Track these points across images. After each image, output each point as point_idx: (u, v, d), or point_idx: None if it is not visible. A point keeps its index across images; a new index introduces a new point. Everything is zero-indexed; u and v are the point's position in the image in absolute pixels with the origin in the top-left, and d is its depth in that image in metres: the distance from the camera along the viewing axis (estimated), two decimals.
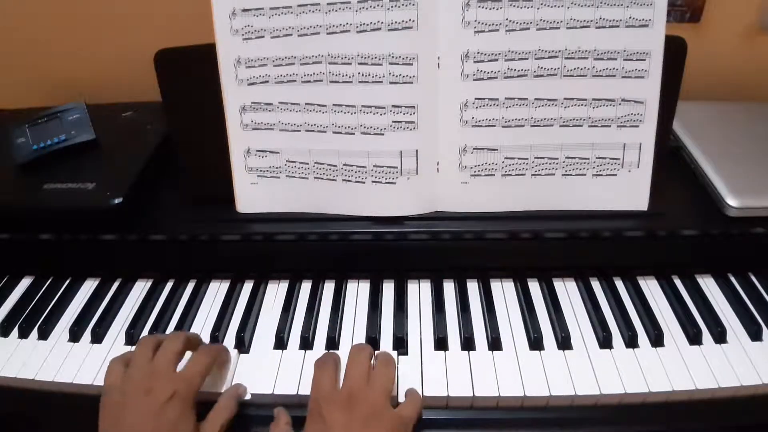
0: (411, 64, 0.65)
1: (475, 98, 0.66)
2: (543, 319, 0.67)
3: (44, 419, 0.64)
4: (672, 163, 0.75)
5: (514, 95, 0.66)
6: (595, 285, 0.72)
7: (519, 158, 0.69)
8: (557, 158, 0.68)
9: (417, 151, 0.68)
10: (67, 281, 0.75)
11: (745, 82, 0.92)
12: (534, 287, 0.71)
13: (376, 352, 0.62)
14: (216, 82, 0.68)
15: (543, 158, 0.69)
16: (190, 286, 0.74)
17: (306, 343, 0.65)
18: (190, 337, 0.60)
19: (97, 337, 0.68)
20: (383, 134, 0.67)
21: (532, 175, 0.69)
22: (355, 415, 0.53)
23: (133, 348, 0.65)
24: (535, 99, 0.66)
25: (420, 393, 0.59)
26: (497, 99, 0.66)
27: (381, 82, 0.65)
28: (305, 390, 0.60)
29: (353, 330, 0.67)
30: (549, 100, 0.66)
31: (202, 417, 0.56)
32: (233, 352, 0.64)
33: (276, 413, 0.58)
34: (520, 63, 0.65)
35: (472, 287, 0.72)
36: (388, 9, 0.63)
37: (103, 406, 0.54)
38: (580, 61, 0.65)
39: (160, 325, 0.69)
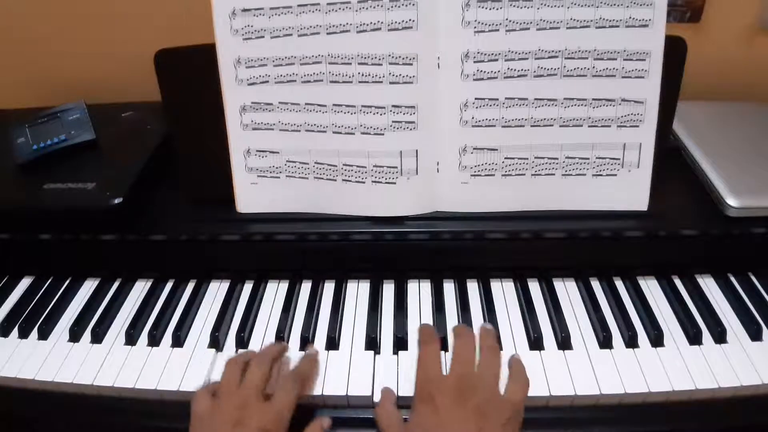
0: (411, 64, 0.65)
1: (475, 98, 0.66)
2: (543, 319, 0.67)
3: (44, 419, 0.64)
4: (672, 163, 0.75)
5: (514, 95, 0.66)
6: (595, 285, 0.72)
7: (519, 158, 0.69)
8: (557, 158, 0.68)
9: (417, 151, 0.68)
10: (67, 281, 0.75)
11: (745, 82, 0.92)
12: (534, 287, 0.71)
13: (478, 335, 0.60)
14: (216, 82, 0.68)
15: (543, 158, 0.69)
16: (190, 286, 0.74)
17: (306, 344, 0.65)
18: (275, 352, 0.59)
19: (97, 337, 0.68)
20: (383, 134, 0.67)
21: (532, 175, 0.69)
22: (469, 405, 0.52)
23: (133, 347, 0.66)
24: (535, 99, 0.66)
25: (526, 373, 0.58)
26: (497, 99, 0.66)
27: (381, 82, 0.65)
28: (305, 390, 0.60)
29: (353, 330, 0.67)
30: (549, 100, 0.66)
31: None
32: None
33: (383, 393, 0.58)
34: (520, 63, 0.65)
35: (472, 287, 0.72)
36: (388, 9, 0.63)
37: None
38: (580, 61, 0.65)
39: (160, 325, 0.68)
